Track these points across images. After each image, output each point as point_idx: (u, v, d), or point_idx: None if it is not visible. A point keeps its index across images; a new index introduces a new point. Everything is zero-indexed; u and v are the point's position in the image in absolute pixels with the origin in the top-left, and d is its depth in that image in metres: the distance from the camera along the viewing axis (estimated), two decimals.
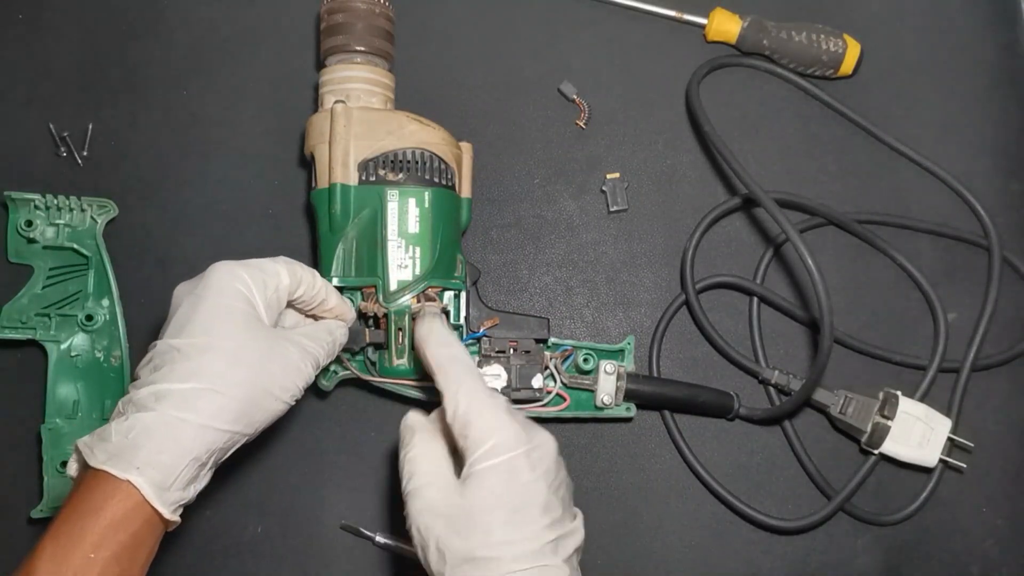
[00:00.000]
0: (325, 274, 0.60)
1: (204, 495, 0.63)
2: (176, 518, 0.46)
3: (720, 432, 0.71)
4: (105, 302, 0.69)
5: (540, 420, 0.69)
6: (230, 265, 0.51)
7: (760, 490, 0.71)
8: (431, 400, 0.64)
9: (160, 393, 0.46)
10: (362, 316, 0.61)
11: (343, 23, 0.64)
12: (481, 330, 0.64)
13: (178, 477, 0.45)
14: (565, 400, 0.66)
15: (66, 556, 0.43)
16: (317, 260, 0.62)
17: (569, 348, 0.66)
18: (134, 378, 0.49)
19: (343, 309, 0.58)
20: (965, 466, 0.69)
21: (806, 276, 0.57)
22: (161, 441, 0.45)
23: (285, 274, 0.53)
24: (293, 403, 0.52)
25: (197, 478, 0.47)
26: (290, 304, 0.55)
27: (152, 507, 0.45)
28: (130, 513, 0.44)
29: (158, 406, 0.46)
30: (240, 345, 0.49)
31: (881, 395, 0.68)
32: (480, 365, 0.63)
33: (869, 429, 0.67)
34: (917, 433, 0.67)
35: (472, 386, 0.49)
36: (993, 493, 0.71)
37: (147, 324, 0.69)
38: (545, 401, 0.65)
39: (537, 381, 0.63)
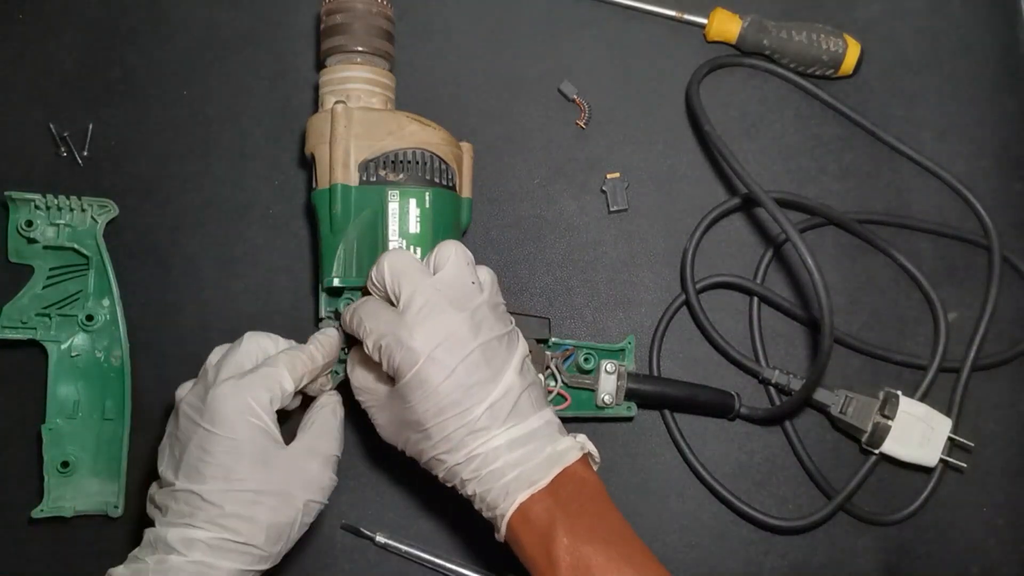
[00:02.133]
0: (326, 274, 0.60)
1: None
2: None
3: (720, 432, 0.71)
4: (105, 302, 0.69)
5: None
6: (237, 393, 0.52)
7: (760, 490, 0.71)
8: None
9: (189, 540, 0.50)
10: None
11: (342, 23, 0.64)
12: None
13: None
14: (566, 400, 0.66)
15: None
16: (318, 260, 0.62)
17: (570, 348, 0.66)
18: (158, 506, 0.53)
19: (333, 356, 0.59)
20: (965, 466, 0.69)
21: (806, 276, 0.57)
22: None
23: (288, 380, 0.54)
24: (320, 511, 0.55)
25: None
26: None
27: None
28: None
29: (189, 552, 0.49)
30: (261, 483, 0.51)
31: (881, 395, 0.68)
32: None
33: (869, 429, 0.67)
34: (917, 433, 0.67)
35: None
36: (993, 493, 0.71)
37: (148, 324, 0.70)
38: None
39: None
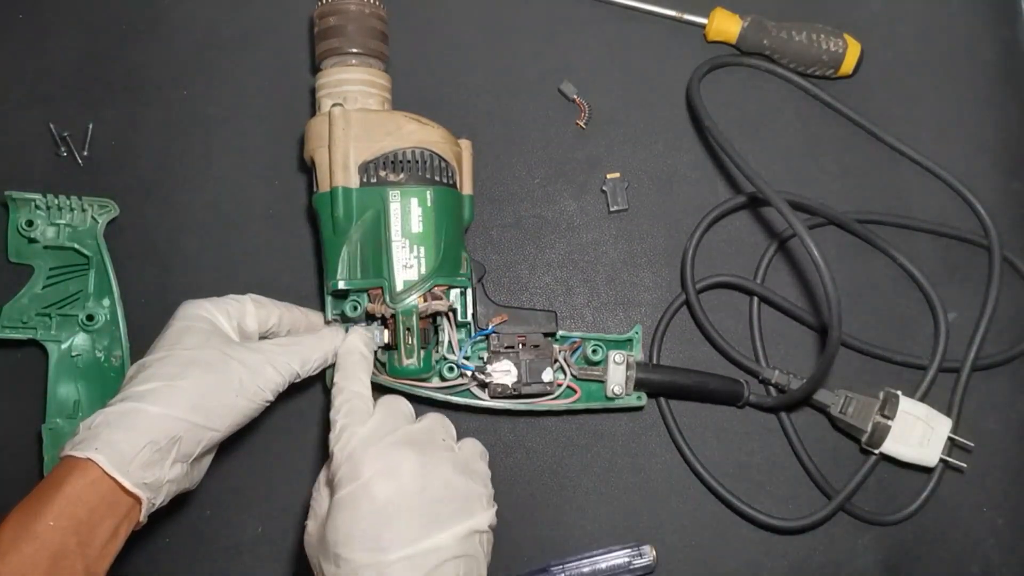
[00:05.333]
0: (331, 277, 0.60)
1: (204, 495, 0.63)
2: (139, 494, 0.49)
3: (721, 432, 0.71)
4: (106, 302, 0.69)
5: (552, 413, 0.69)
6: (196, 300, 0.58)
7: (760, 490, 0.71)
8: (443, 401, 0.64)
9: (123, 396, 0.51)
10: (370, 318, 0.61)
11: (336, 26, 0.63)
12: (490, 327, 0.64)
13: (135, 457, 0.49)
14: (576, 392, 0.66)
15: (28, 524, 0.46)
16: (322, 264, 0.62)
17: (577, 340, 0.66)
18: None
19: (316, 320, 0.63)
20: (965, 466, 0.69)
21: (807, 275, 0.57)
22: (118, 427, 0.49)
23: (251, 306, 0.59)
24: (263, 404, 0.55)
25: (159, 464, 0.50)
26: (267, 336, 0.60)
27: (111, 481, 0.48)
28: (88, 487, 0.47)
29: (119, 404, 0.50)
30: (196, 350, 0.53)
31: (881, 395, 0.68)
32: (490, 362, 0.64)
33: (869, 429, 0.67)
34: (917, 433, 0.67)
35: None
36: (993, 493, 0.71)
37: (148, 324, 0.69)
38: (556, 394, 0.65)
39: (547, 375, 0.64)
